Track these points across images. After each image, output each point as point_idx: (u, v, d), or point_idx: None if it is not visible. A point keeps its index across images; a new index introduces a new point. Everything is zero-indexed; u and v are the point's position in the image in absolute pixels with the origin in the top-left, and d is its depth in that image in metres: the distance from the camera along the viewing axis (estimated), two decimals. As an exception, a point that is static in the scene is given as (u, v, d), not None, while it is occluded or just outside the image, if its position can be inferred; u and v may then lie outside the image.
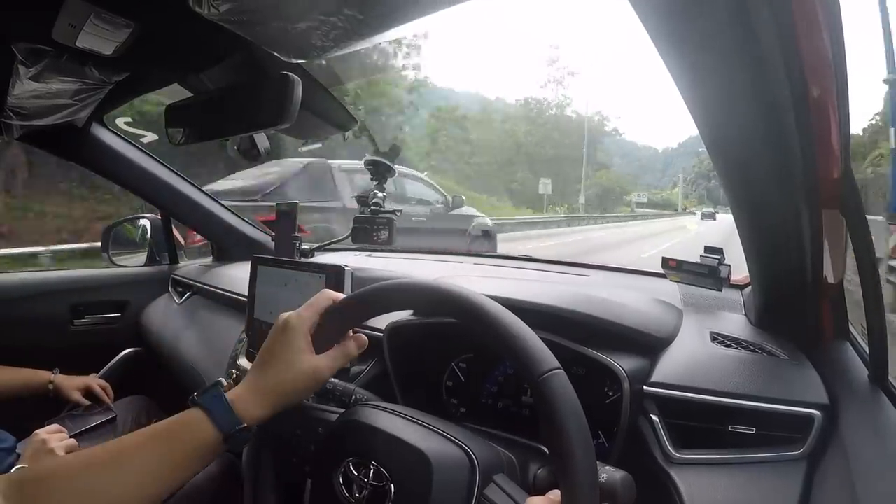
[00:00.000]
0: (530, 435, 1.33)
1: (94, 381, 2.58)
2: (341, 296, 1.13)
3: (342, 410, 1.17)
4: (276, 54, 1.31)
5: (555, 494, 0.90)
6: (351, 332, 1.14)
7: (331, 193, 9.16)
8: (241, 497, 1.26)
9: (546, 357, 0.91)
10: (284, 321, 1.08)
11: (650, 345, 1.44)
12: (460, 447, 1.02)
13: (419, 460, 0.97)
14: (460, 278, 2.03)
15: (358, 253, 3.18)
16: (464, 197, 12.09)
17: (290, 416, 1.12)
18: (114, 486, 0.95)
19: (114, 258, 3.41)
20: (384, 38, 1.27)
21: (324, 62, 1.45)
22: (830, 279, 1.30)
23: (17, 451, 1.93)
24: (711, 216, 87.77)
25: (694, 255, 1.71)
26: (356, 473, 1.00)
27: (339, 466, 1.02)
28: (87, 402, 2.50)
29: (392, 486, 0.97)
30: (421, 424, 1.09)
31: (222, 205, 3.29)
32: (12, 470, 1.64)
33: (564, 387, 0.89)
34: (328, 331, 1.10)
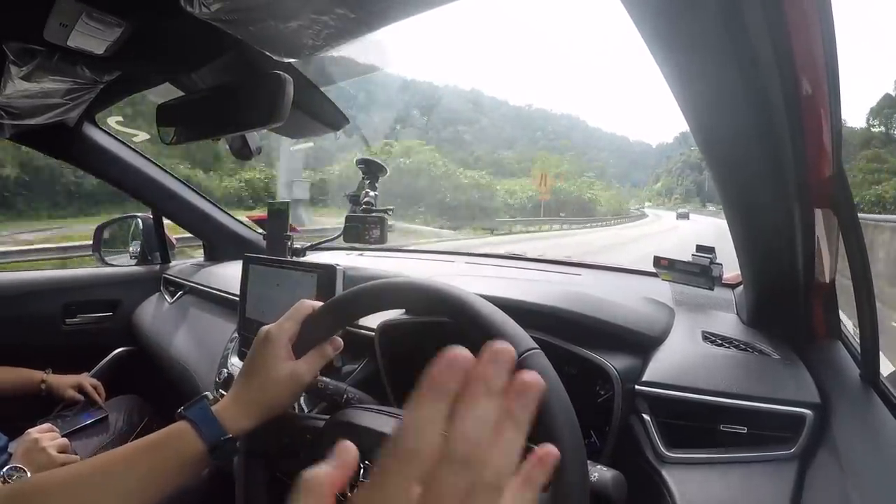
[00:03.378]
0: None
1: (86, 380, 2.58)
2: (319, 304, 1.15)
3: (328, 417, 1.17)
4: (267, 53, 1.31)
5: None
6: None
7: None
8: (232, 501, 1.26)
9: (523, 338, 0.93)
10: (265, 333, 1.10)
11: (642, 344, 1.44)
12: None
13: None
14: (453, 277, 2.03)
15: (350, 252, 3.18)
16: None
17: (279, 425, 1.12)
18: (102, 499, 0.96)
19: (105, 257, 3.40)
20: (375, 36, 1.27)
21: (316, 61, 1.45)
22: (822, 278, 1.30)
23: (8, 450, 1.93)
24: (685, 216, 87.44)
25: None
26: None
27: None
28: (81, 398, 2.51)
29: None
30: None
31: (214, 203, 3.29)
32: (4, 469, 1.65)
33: (543, 365, 0.90)
34: (309, 339, 1.11)
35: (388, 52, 1.56)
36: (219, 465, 1.01)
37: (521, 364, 0.88)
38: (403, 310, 1.64)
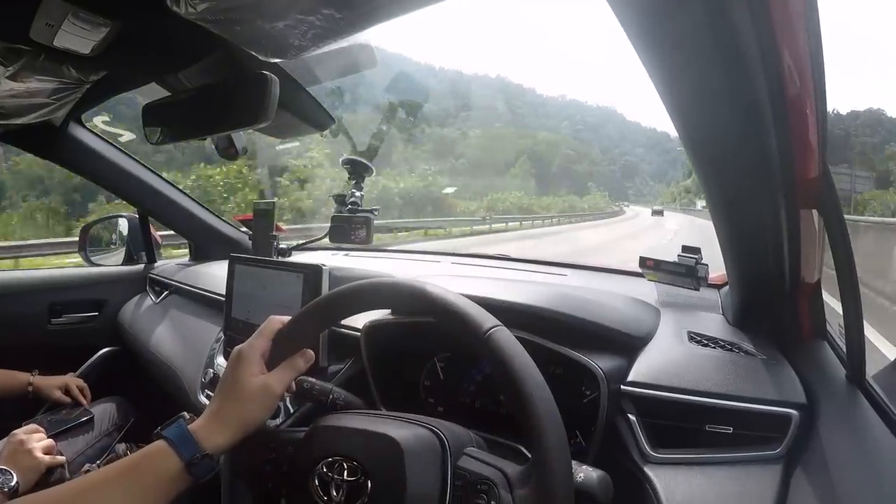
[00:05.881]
0: (508, 434, 1.34)
1: (72, 380, 2.56)
2: (287, 318, 1.17)
3: (307, 428, 1.17)
4: (253, 53, 1.31)
5: None
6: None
7: None
8: None
9: (486, 317, 0.96)
10: (237, 352, 1.12)
11: (628, 344, 1.44)
12: (427, 428, 1.04)
13: (389, 447, 0.98)
14: (438, 278, 2.03)
15: (336, 252, 3.19)
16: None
17: (259, 441, 1.14)
18: None
19: (91, 257, 3.39)
20: (362, 36, 1.27)
21: (302, 61, 1.45)
22: (808, 278, 1.31)
23: (-6, 451, 1.92)
24: (660, 213, 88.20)
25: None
26: (330, 474, 1.00)
27: (312, 472, 1.03)
28: (68, 400, 2.49)
29: (367, 477, 0.98)
30: (385, 416, 1.12)
31: (200, 203, 3.29)
32: None
33: (508, 339, 0.93)
34: (280, 353, 1.13)
35: (375, 51, 1.56)
36: (200, 483, 1.02)
37: (487, 342, 0.92)
38: (388, 310, 1.65)
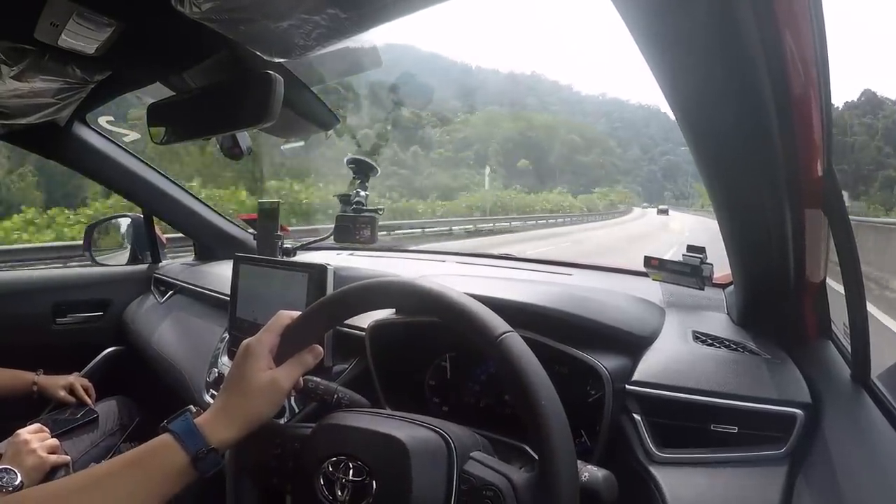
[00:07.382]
0: (513, 434, 1.34)
1: (77, 380, 2.56)
2: (296, 314, 1.16)
3: (314, 424, 1.17)
4: (258, 53, 1.31)
5: None
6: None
7: None
8: None
9: (498, 322, 0.95)
10: (245, 346, 1.11)
11: (632, 344, 1.44)
12: (434, 431, 1.04)
13: (395, 448, 0.98)
14: (443, 277, 2.03)
15: (340, 252, 3.18)
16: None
17: (265, 436, 1.13)
18: None
19: (96, 257, 3.39)
20: (366, 36, 1.27)
21: (306, 60, 1.45)
22: (812, 278, 1.31)
23: (-1, 450, 1.92)
24: (665, 212, 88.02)
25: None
26: (335, 473, 1.00)
27: (318, 470, 1.03)
28: (73, 400, 2.49)
29: (372, 477, 0.98)
30: (392, 417, 1.12)
31: (204, 203, 3.28)
32: None
33: (519, 345, 0.93)
34: (289, 349, 1.12)
35: (379, 51, 1.56)
36: (205, 477, 1.01)
37: (498, 346, 0.92)
38: (393, 310, 1.65)
